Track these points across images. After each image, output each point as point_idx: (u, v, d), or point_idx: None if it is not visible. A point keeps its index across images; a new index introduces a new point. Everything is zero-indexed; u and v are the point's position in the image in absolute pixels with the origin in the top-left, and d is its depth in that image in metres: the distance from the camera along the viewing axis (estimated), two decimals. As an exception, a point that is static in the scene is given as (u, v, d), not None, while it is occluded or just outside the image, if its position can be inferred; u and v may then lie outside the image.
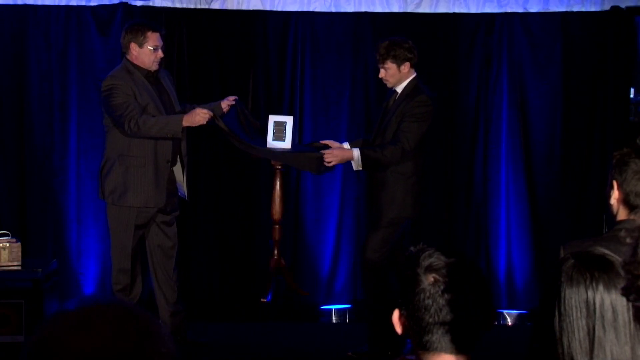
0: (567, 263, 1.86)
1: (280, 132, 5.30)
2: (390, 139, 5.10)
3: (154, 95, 5.21)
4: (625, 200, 2.91)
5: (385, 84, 5.22)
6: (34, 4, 6.16)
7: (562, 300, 1.83)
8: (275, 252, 5.47)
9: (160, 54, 5.21)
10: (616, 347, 1.79)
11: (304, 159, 5.30)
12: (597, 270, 1.83)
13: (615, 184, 2.97)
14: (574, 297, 1.82)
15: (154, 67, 5.22)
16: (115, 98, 5.09)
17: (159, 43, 5.21)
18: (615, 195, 2.94)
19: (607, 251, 1.88)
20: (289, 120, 5.37)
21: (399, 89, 5.20)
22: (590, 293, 1.81)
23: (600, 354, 1.78)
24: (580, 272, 1.83)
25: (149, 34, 5.18)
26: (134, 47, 5.18)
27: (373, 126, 5.42)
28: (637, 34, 6.27)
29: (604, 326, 1.79)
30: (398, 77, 5.15)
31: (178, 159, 5.31)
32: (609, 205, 2.99)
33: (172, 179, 5.30)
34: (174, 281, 5.35)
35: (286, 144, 5.30)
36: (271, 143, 5.31)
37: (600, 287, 1.81)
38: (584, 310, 1.81)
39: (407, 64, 5.13)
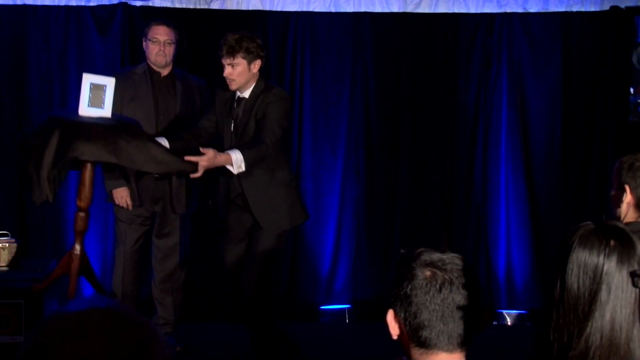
0: (585, 226, 1.83)
1: (99, 97, 4.52)
2: (254, 137, 4.59)
3: (149, 95, 5.24)
4: (638, 205, 2.95)
5: (230, 85, 4.63)
6: (34, 4, 6.16)
7: (569, 259, 1.79)
8: (77, 247, 4.66)
9: (161, 47, 5.23)
10: (618, 312, 1.77)
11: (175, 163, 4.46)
12: (615, 239, 1.80)
13: (627, 188, 3.00)
14: (583, 258, 1.79)
15: (158, 60, 5.25)
16: None
17: (160, 36, 5.25)
18: (627, 199, 2.97)
19: (628, 228, 1.86)
20: (109, 82, 4.56)
21: (246, 94, 4.67)
22: (601, 259, 1.78)
23: (599, 314, 1.77)
24: (597, 236, 1.80)
25: (152, 26, 5.30)
26: (143, 42, 5.35)
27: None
28: (637, 34, 6.27)
29: (609, 293, 1.77)
30: (246, 76, 4.60)
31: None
32: (619, 208, 3.02)
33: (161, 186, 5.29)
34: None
35: (105, 111, 4.52)
36: (87, 110, 4.52)
37: (614, 258, 1.78)
38: (590, 273, 1.78)
39: (258, 63, 4.61)
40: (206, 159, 4.34)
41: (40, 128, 4.51)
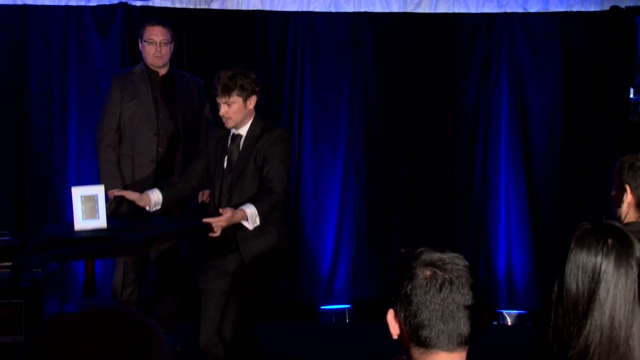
0: (582, 227, 1.84)
1: (92, 208, 4.33)
2: (260, 184, 4.41)
3: (149, 94, 5.25)
4: (638, 205, 2.96)
5: (226, 123, 4.42)
6: (34, 4, 6.16)
7: (567, 260, 1.80)
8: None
9: (157, 47, 5.25)
10: (617, 310, 1.77)
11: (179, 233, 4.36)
12: (613, 238, 1.80)
13: (628, 188, 3.00)
14: (581, 258, 1.79)
15: (156, 62, 5.27)
16: (105, 106, 5.32)
17: (156, 37, 5.26)
18: (628, 199, 2.98)
19: (628, 228, 1.87)
20: (99, 191, 4.37)
21: (243, 131, 4.46)
22: (599, 258, 1.79)
23: (598, 313, 1.77)
24: (594, 236, 1.81)
25: (147, 27, 5.29)
26: (139, 42, 5.34)
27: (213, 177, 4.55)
28: (637, 34, 6.27)
29: (608, 291, 1.78)
30: (243, 114, 4.41)
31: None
32: (620, 208, 3.02)
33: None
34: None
35: (100, 221, 4.35)
36: (82, 224, 4.33)
37: (612, 257, 1.79)
38: (589, 272, 1.79)
39: (254, 99, 4.42)
40: (224, 219, 4.17)
41: (34, 251, 4.34)
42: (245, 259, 4.42)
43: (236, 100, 4.36)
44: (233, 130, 4.47)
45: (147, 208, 4.49)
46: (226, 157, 4.50)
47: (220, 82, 4.36)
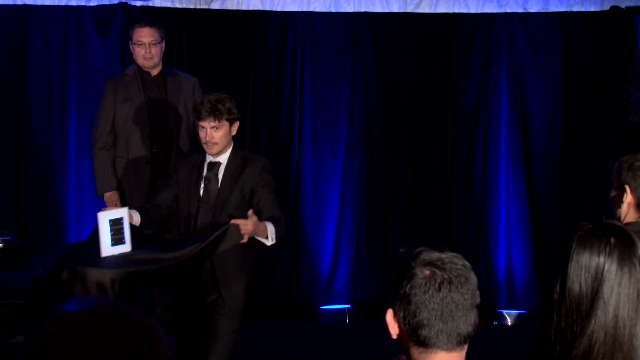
0: (583, 227, 1.83)
1: (119, 233, 4.09)
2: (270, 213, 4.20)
3: (141, 96, 5.27)
4: (638, 205, 2.96)
5: (210, 149, 4.23)
6: (34, 4, 6.16)
7: (569, 261, 1.80)
8: None
9: (146, 49, 5.24)
10: (621, 309, 1.78)
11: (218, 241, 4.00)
12: (615, 237, 1.80)
13: (627, 188, 3.00)
14: (584, 258, 1.79)
15: (147, 63, 5.27)
16: (99, 108, 5.35)
17: (144, 39, 5.25)
18: (628, 199, 2.98)
19: (629, 228, 1.87)
20: (124, 213, 4.12)
21: (222, 159, 4.28)
22: (602, 257, 1.79)
23: (602, 312, 1.77)
24: (596, 236, 1.81)
25: (135, 29, 5.30)
26: (130, 44, 5.34)
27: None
28: (637, 34, 6.27)
29: (612, 290, 1.78)
30: (227, 140, 4.24)
31: None
32: (619, 209, 3.02)
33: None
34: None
35: (127, 246, 4.11)
36: (109, 250, 4.05)
37: (615, 256, 1.78)
38: (592, 272, 1.79)
39: (237, 125, 4.27)
40: (252, 222, 3.90)
41: (56, 270, 4.12)
42: (224, 297, 4.29)
43: (224, 124, 4.20)
44: (209, 158, 4.30)
45: None
46: (202, 186, 4.32)
47: (208, 106, 4.18)
